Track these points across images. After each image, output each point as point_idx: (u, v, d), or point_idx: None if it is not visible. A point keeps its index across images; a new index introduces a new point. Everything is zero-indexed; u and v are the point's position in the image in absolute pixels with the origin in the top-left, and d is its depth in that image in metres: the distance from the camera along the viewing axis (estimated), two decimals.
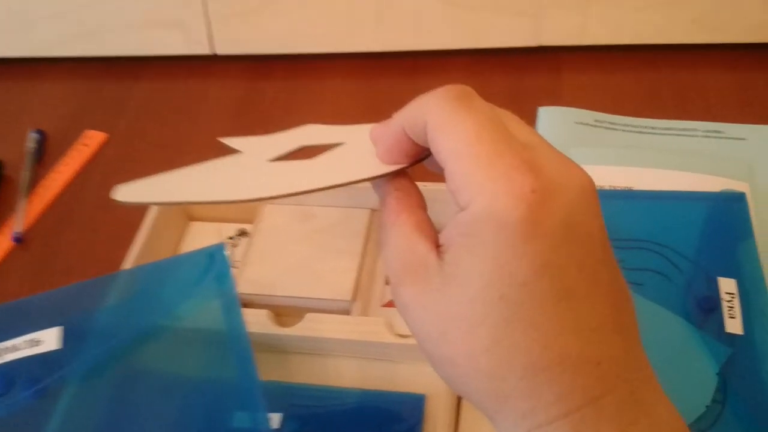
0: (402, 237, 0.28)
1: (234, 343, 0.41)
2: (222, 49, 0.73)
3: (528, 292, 0.24)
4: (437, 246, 0.28)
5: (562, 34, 0.68)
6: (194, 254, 0.46)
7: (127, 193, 0.33)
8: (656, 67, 0.67)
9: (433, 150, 0.27)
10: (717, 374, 0.45)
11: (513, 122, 0.28)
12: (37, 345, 0.41)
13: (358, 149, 0.33)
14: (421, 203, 0.30)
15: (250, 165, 0.34)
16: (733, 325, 0.47)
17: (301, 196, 0.55)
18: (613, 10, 0.66)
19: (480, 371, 0.25)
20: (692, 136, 0.60)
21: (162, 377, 0.42)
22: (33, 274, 0.59)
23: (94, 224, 0.62)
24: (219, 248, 0.45)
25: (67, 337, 0.42)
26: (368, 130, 0.34)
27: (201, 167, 0.35)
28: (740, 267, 0.50)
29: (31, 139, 0.69)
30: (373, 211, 0.55)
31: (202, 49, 0.73)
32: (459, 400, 0.47)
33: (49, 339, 0.42)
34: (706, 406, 0.44)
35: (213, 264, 0.44)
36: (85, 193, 0.65)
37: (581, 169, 0.27)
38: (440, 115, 0.27)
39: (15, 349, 0.41)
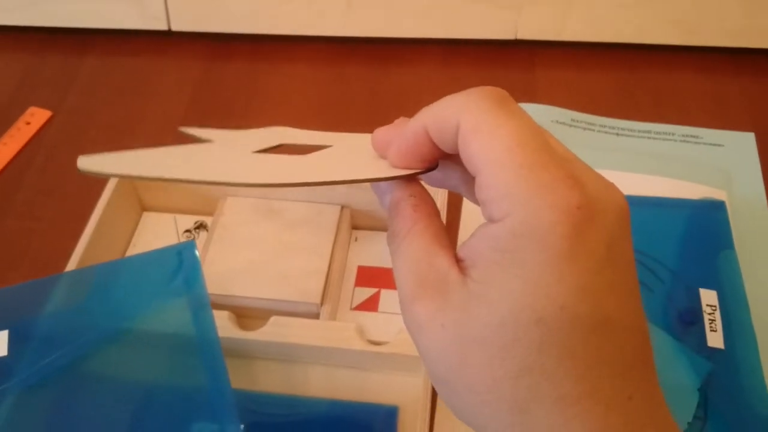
0: (419, 248, 0.25)
1: (204, 349, 0.38)
2: (179, 26, 0.68)
3: (566, 317, 0.22)
4: (458, 260, 0.25)
5: (540, 29, 0.65)
6: (160, 252, 0.42)
7: (92, 162, 0.28)
8: (633, 67, 0.65)
9: (464, 155, 0.24)
10: (698, 390, 0.44)
11: (547, 134, 0.25)
12: None
13: (353, 152, 0.29)
14: (437, 212, 0.28)
15: (232, 152, 0.31)
16: (715, 339, 0.46)
17: (266, 190, 0.52)
18: (592, 7, 0.64)
19: (503, 401, 0.23)
20: (669, 140, 0.59)
21: (123, 385, 0.38)
22: None
23: (35, 211, 0.57)
24: (189, 246, 0.41)
25: (14, 342, 0.37)
26: (356, 138, 0.31)
27: (174, 149, 0.31)
28: (721, 278, 0.49)
29: None
30: (343, 207, 0.52)
31: (158, 24, 0.68)
32: (433, 412, 0.45)
33: None
34: (688, 423, 0.43)
35: (182, 264, 0.40)
36: (27, 175, 0.60)
37: (618, 189, 0.24)
38: (477, 117, 0.24)
39: None
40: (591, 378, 0.22)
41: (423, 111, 0.26)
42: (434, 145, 0.26)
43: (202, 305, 0.39)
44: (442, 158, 0.28)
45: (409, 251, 0.26)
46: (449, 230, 0.48)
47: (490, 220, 0.23)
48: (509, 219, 0.23)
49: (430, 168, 0.27)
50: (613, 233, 0.23)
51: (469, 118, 0.24)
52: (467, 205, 0.55)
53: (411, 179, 0.28)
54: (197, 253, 0.40)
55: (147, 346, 0.39)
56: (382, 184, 0.29)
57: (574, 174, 0.23)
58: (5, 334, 0.37)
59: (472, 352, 0.23)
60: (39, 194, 0.58)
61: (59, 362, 0.37)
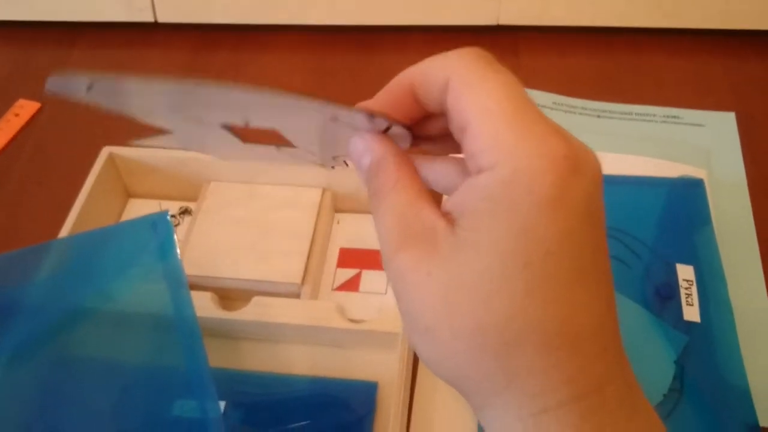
0: (404, 202, 0.26)
1: (180, 325, 0.38)
2: (165, 17, 0.69)
3: (552, 262, 0.22)
4: (444, 214, 0.25)
5: (522, 14, 0.66)
6: (135, 222, 0.42)
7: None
8: (614, 50, 0.66)
9: (454, 108, 0.25)
10: (675, 362, 0.45)
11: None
12: None
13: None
14: (417, 173, 0.28)
15: None
16: (691, 313, 0.47)
17: (250, 173, 0.53)
18: None
19: (488, 347, 0.23)
20: (650, 121, 0.60)
21: (100, 361, 0.38)
22: None
23: (23, 200, 0.58)
24: (162, 216, 0.41)
25: None
26: None
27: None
28: (698, 253, 0.50)
29: None
30: (325, 190, 0.52)
31: (144, 17, 0.69)
32: (412, 388, 0.45)
33: None
34: (664, 395, 0.44)
35: (155, 234, 0.41)
36: (15, 165, 0.60)
37: (592, 151, 0.25)
38: (468, 72, 0.25)
39: None
40: (571, 326, 0.23)
41: (409, 68, 0.27)
42: (414, 103, 0.27)
43: (177, 277, 0.40)
44: (419, 119, 0.28)
45: (395, 205, 0.26)
46: None
47: (478, 170, 0.24)
48: (499, 167, 0.23)
49: (408, 126, 0.28)
50: (592, 187, 0.23)
51: (460, 73, 0.25)
52: None
53: (390, 143, 0.29)
54: (170, 220, 0.41)
55: (125, 324, 0.39)
56: (360, 146, 0.29)
57: (558, 128, 0.23)
58: None
59: (460, 298, 0.23)
60: (28, 183, 0.59)
61: (35, 334, 0.37)
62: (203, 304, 0.45)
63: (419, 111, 0.27)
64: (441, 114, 0.27)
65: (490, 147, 0.23)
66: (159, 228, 0.41)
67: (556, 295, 0.23)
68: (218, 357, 0.47)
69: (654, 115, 0.60)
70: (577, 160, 0.23)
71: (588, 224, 0.23)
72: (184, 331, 0.38)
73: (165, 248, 0.40)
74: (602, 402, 0.23)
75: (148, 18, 0.69)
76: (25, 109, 0.65)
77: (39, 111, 0.65)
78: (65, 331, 0.38)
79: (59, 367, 0.38)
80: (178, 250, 0.40)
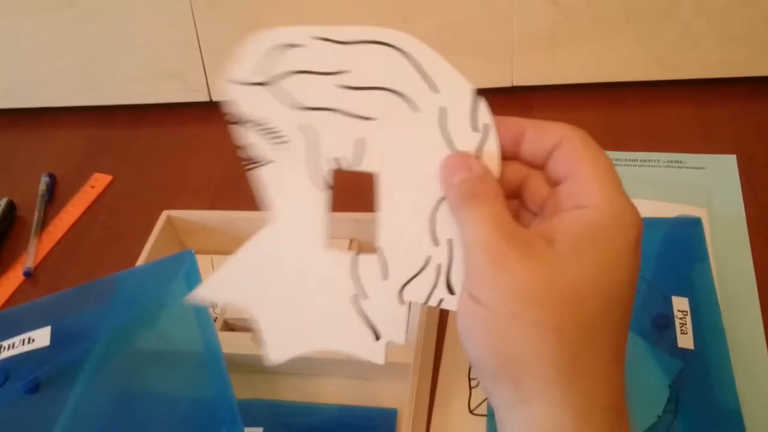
0: (504, 212, 0.31)
1: (209, 359, 0.45)
2: (218, 96, 0.78)
3: (628, 294, 0.30)
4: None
5: (534, 75, 0.72)
6: (166, 259, 0.50)
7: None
8: (622, 103, 0.71)
9: (565, 158, 0.32)
10: (669, 386, 0.48)
11: None
12: (30, 343, 0.46)
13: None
14: None
15: None
16: (685, 341, 0.50)
17: None
18: (581, 51, 0.70)
19: (562, 343, 0.28)
20: (655, 166, 0.64)
21: (134, 390, 0.45)
22: None
23: (98, 258, 0.67)
24: (188, 253, 0.49)
25: (55, 336, 0.47)
26: None
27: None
28: (693, 286, 0.53)
29: (43, 183, 0.74)
30: (352, 241, 0.59)
31: (201, 97, 0.78)
32: (430, 414, 0.50)
33: (40, 337, 0.46)
34: (658, 416, 0.47)
35: (182, 266, 0.48)
36: (91, 230, 0.70)
37: None
38: (585, 138, 0.32)
39: (12, 346, 0.46)
40: (620, 351, 0.30)
41: (521, 119, 0.34)
42: (514, 144, 0.33)
43: (203, 312, 0.46)
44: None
45: (495, 210, 0.31)
46: None
47: (578, 206, 0.30)
48: (602, 207, 0.30)
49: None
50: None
51: (579, 137, 0.32)
52: None
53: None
54: (194, 257, 0.49)
55: (155, 354, 0.46)
56: (461, 161, 0.33)
57: None
58: (49, 329, 0.47)
59: (552, 298, 0.28)
60: (101, 243, 0.68)
61: (86, 356, 0.45)
62: (244, 343, 0.52)
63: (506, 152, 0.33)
64: (515, 159, 0.33)
65: (596, 190, 0.30)
66: (185, 261, 0.48)
67: (618, 318, 0.30)
68: (257, 389, 0.53)
69: (658, 161, 0.65)
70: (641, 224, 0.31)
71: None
72: (209, 359, 0.44)
73: (190, 275, 0.47)
74: (623, 415, 0.29)
75: (203, 98, 0.78)
76: (99, 181, 0.74)
77: (111, 183, 0.74)
78: (101, 361, 0.45)
79: (95, 396, 0.44)
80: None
